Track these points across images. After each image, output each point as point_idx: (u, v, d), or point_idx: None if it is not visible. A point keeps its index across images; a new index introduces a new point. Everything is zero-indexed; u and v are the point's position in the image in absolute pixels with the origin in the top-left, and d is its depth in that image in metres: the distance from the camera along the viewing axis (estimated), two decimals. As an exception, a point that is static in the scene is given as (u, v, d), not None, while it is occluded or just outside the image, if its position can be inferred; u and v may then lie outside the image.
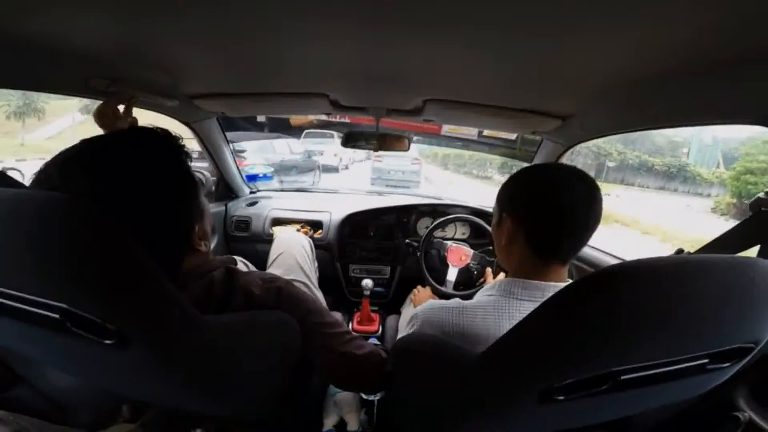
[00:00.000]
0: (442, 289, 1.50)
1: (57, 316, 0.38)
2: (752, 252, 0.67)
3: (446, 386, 0.54)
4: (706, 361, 0.42)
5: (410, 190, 8.03)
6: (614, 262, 1.28)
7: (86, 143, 0.49)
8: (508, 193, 0.70)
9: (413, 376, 0.63)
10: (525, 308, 0.61)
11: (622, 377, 0.39)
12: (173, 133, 0.56)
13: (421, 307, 0.71)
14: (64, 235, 0.37)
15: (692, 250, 0.82)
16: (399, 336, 0.85)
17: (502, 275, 1.48)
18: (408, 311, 1.49)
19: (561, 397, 0.40)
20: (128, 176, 0.48)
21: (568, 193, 0.61)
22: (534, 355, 0.42)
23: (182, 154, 0.55)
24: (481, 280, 1.57)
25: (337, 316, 1.55)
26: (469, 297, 0.70)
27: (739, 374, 0.63)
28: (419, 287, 1.59)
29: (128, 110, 0.91)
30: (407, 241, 1.77)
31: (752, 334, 0.42)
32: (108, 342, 0.38)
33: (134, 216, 0.45)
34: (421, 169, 10.24)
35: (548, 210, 0.62)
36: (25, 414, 0.59)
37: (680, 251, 0.81)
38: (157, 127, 0.56)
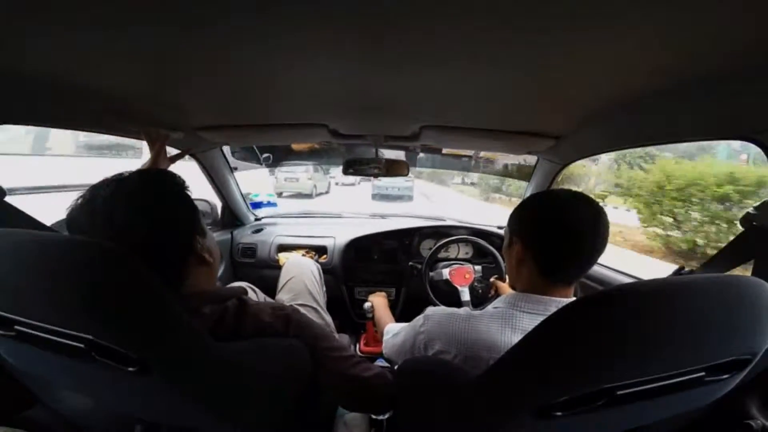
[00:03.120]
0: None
1: (82, 345, 0.40)
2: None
3: (449, 405, 0.55)
4: (703, 374, 0.42)
5: (408, 205, 10.81)
6: (623, 279, 1.28)
7: (109, 182, 0.56)
8: (517, 218, 0.73)
9: (418, 397, 0.64)
10: (526, 319, 0.65)
11: (618, 393, 0.40)
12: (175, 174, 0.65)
13: (431, 309, 0.76)
14: (88, 274, 0.40)
15: (693, 269, 0.83)
16: (400, 328, 0.86)
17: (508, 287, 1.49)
18: None
19: (559, 413, 0.41)
20: (142, 207, 0.56)
21: (574, 218, 0.63)
22: (531, 372, 0.43)
23: (183, 187, 0.62)
24: (491, 293, 1.57)
25: (344, 338, 1.55)
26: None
27: (751, 383, 0.63)
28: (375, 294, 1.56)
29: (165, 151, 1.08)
30: (411, 263, 1.78)
31: (746, 347, 0.43)
32: (131, 369, 0.41)
33: (149, 238, 0.54)
34: (414, 185, 12.50)
35: (554, 235, 0.65)
36: None
37: (681, 268, 0.82)
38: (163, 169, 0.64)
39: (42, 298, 0.41)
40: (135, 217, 0.54)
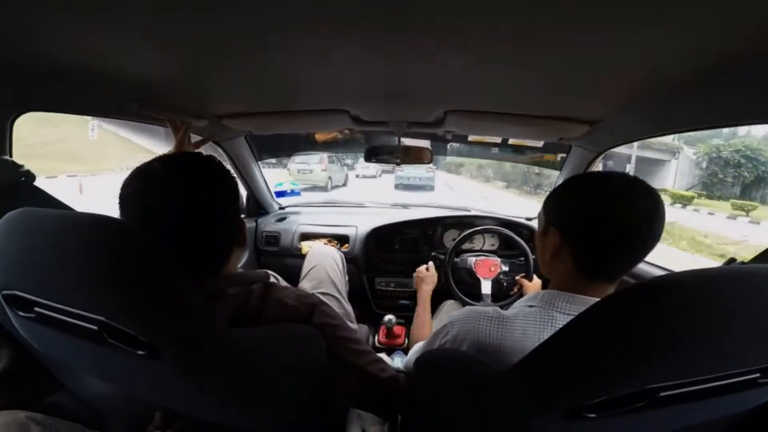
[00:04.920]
0: (479, 304, 1.46)
1: (95, 327, 0.40)
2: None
3: (469, 402, 0.53)
4: (758, 375, 0.38)
5: (430, 195, 10.81)
6: (659, 273, 1.21)
7: (154, 164, 0.57)
8: (556, 204, 0.65)
9: (436, 392, 0.62)
10: (566, 321, 0.59)
11: (661, 394, 0.37)
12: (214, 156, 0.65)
13: (457, 313, 0.68)
14: (104, 254, 0.40)
15: (745, 260, 0.76)
16: (423, 344, 0.83)
17: (537, 282, 1.45)
18: (434, 323, 1.46)
19: (591, 415, 0.38)
20: (189, 191, 0.56)
21: (628, 210, 0.55)
22: (565, 369, 0.40)
23: (225, 171, 0.62)
24: (515, 290, 1.54)
25: (363, 329, 1.54)
26: (506, 307, 0.67)
27: None
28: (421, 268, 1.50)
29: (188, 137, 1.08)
30: (433, 254, 1.76)
31: None
32: (140, 353, 0.40)
33: (201, 218, 0.55)
34: (435, 176, 13.00)
35: (601, 229, 0.56)
36: (64, 418, 0.62)
37: (732, 261, 0.76)
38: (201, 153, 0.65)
39: (60, 277, 0.41)
40: (189, 199, 0.55)
